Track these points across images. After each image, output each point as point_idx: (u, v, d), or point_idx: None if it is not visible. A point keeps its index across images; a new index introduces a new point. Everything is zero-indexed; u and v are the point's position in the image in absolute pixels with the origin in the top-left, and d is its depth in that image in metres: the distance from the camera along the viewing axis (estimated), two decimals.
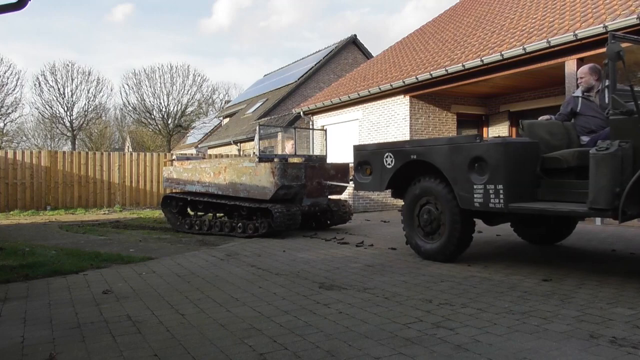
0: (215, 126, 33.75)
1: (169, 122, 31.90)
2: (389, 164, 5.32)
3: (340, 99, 14.54)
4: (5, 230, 9.20)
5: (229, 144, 24.68)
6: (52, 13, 75.91)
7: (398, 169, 5.24)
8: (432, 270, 4.67)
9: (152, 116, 31.91)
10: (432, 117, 12.95)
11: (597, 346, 2.61)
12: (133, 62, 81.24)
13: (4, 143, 34.47)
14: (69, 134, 35.01)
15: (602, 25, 7.54)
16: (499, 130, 13.22)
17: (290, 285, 4.12)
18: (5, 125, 32.87)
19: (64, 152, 14.90)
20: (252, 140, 22.51)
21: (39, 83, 32.89)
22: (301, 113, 17.10)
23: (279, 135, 20.32)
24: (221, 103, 44.05)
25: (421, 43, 14.93)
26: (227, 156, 18.98)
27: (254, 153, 18.92)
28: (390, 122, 13.27)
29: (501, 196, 4.24)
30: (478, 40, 11.34)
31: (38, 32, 75.41)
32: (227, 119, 31.78)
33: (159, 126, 32.12)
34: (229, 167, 7.81)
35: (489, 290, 3.85)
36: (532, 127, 4.78)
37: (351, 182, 7.80)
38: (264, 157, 7.59)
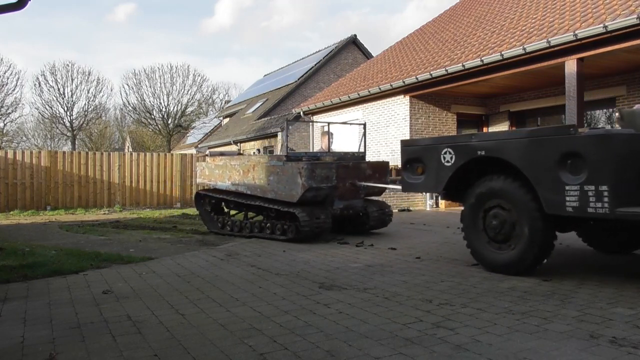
0: (215, 126, 33.77)
1: (169, 122, 31.90)
2: (447, 162, 4.63)
3: (340, 99, 14.54)
4: (5, 230, 9.19)
5: (228, 144, 24.70)
6: (53, 13, 76.06)
7: (460, 167, 4.55)
8: (432, 270, 4.67)
9: (152, 116, 31.92)
10: (432, 117, 12.95)
11: (597, 346, 2.61)
12: (134, 62, 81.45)
13: (4, 143, 34.48)
14: (69, 134, 35.02)
15: (602, 25, 7.54)
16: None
17: (290, 286, 4.12)
18: (5, 125, 32.90)
19: (64, 152, 14.90)
20: (252, 140, 22.54)
21: (39, 83, 32.95)
22: (301, 113, 17.11)
23: (279, 135, 20.35)
24: (221, 103, 44.08)
25: (421, 43, 14.93)
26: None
27: (254, 153, 18.90)
28: (390, 122, 13.27)
29: (605, 199, 3.56)
30: (478, 40, 11.34)
31: (39, 32, 75.52)
32: (227, 119, 31.80)
33: (159, 126, 32.12)
34: (258, 165, 7.29)
35: (489, 290, 3.85)
36: (633, 117, 4.20)
37: (390, 183, 7.28)
38: (292, 156, 6.96)
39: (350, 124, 9.36)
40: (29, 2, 4.58)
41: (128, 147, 41.96)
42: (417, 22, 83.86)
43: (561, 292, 3.75)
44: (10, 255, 5.82)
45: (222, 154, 8.93)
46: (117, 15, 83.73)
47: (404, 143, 5.18)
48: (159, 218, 11.73)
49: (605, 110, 11.06)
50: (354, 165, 7.09)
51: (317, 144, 16.36)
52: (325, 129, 8.23)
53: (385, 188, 7.40)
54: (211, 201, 8.35)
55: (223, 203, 8.28)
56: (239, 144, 23.90)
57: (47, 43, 76.92)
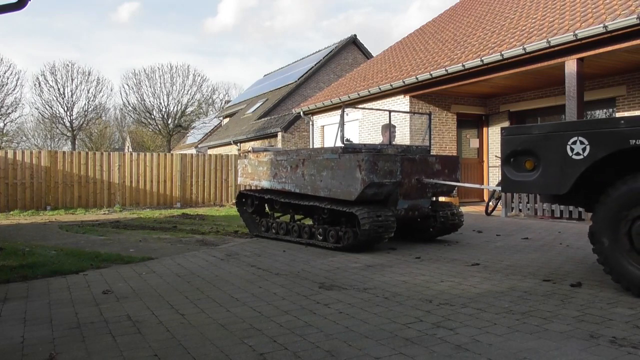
0: (215, 126, 33.78)
1: (169, 122, 31.90)
2: (578, 154, 3.67)
3: (340, 99, 14.54)
4: (5, 230, 9.19)
5: (229, 144, 24.72)
6: (55, 12, 76.08)
7: (596, 160, 3.60)
8: (432, 270, 4.67)
9: (152, 116, 31.92)
10: (432, 117, 12.94)
11: (597, 346, 2.61)
12: (135, 61, 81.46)
13: (4, 143, 34.45)
14: (69, 134, 35.00)
15: (602, 25, 7.54)
16: (499, 131, 13.21)
17: (290, 285, 4.12)
18: (5, 125, 32.82)
19: (64, 152, 14.89)
20: (252, 140, 22.53)
21: (39, 83, 32.92)
22: (301, 113, 17.12)
23: (279, 135, 20.35)
24: (221, 103, 44.10)
25: (421, 43, 14.94)
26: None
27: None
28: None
29: None
30: (478, 40, 11.34)
31: (39, 32, 75.51)
32: (227, 119, 31.82)
33: (159, 126, 32.12)
34: (308, 159, 6.51)
35: (489, 290, 3.85)
36: None
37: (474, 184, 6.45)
38: (349, 147, 6.16)
39: (414, 113, 8.75)
40: (29, 2, 4.59)
41: (128, 147, 41.97)
42: (419, 22, 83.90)
43: (561, 292, 3.75)
44: (10, 255, 5.82)
45: (266, 149, 8.15)
46: (120, 14, 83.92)
47: (508, 131, 4.15)
48: (159, 218, 11.72)
49: (605, 110, 11.05)
50: (420, 159, 6.21)
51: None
52: (387, 120, 7.10)
53: (456, 186, 6.51)
54: (254, 201, 7.76)
55: (267, 204, 7.63)
56: (239, 144, 23.91)
57: (48, 43, 77.07)
